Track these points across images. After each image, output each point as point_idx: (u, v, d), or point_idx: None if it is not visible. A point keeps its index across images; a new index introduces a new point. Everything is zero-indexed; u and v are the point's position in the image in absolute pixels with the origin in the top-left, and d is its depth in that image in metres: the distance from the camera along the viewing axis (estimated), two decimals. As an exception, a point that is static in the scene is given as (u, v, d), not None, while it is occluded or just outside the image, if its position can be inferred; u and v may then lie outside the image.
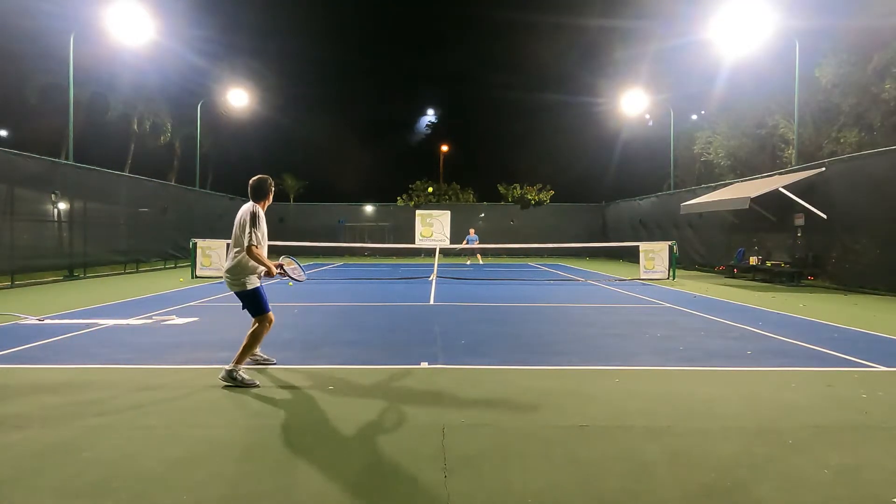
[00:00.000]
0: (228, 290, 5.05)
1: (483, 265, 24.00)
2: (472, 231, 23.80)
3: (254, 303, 5.01)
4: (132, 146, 36.19)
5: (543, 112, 55.95)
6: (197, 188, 26.99)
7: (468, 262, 25.14)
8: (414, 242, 17.78)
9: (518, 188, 35.47)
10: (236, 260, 4.90)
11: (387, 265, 24.67)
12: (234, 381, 4.72)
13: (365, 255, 31.91)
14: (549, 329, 7.89)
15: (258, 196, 5.10)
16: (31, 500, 2.77)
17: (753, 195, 14.67)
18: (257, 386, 4.73)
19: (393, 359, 5.84)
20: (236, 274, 4.93)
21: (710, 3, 22.61)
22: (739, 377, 5.18)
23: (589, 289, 13.90)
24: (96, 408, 4.14)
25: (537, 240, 29.27)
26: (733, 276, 17.48)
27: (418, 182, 38.13)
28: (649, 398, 4.44)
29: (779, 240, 16.45)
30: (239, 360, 4.82)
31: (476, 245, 23.92)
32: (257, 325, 5.00)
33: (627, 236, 27.67)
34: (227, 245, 5.12)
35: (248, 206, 4.99)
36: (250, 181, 5.14)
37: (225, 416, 3.98)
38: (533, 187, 35.31)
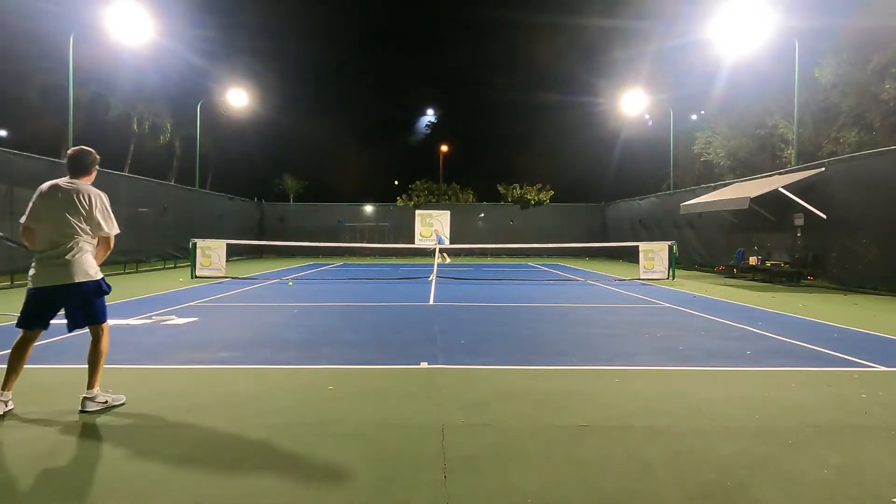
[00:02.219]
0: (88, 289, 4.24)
1: (450, 264, 24.42)
2: (437, 232, 24.89)
3: (102, 300, 4.30)
4: (132, 146, 36.24)
5: (543, 112, 56.06)
6: (197, 188, 26.99)
7: (447, 261, 25.68)
8: (414, 242, 17.84)
9: (518, 188, 35.44)
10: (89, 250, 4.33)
11: (387, 265, 24.67)
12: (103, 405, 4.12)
13: (366, 256, 31.93)
14: (549, 329, 7.88)
15: (82, 171, 4.27)
16: (32, 500, 2.77)
17: (753, 195, 14.68)
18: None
19: (393, 359, 5.83)
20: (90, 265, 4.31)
21: (710, 3, 22.65)
22: (739, 377, 5.17)
23: (589, 289, 13.90)
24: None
25: (537, 240, 29.25)
26: (733, 276, 17.48)
27: (418, 182, 38.14)
28: (649, 398, 4.44)
29: (778, 240, 16.44)
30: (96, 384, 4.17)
31: (446, 245, 24.71)
32: (104, 333, 4.26)
33: (627, 236, 27.67)
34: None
35: (91, 187, 4.24)
36: (70, 152, 4.30)
37: (224, 416, 3.98)
38: (533, 187, 35.29)
